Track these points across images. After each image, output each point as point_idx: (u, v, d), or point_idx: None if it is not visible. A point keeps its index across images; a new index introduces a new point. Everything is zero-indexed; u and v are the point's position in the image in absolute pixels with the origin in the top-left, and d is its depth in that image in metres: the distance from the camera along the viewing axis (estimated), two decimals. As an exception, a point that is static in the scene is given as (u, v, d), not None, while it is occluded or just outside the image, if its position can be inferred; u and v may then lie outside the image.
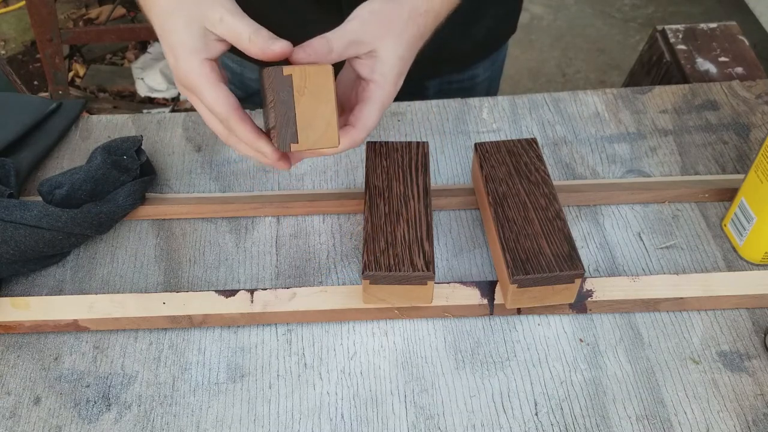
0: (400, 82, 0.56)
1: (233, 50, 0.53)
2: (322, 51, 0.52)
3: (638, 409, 0.54)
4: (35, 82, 2.19)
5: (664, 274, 0.62)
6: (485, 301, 0.59)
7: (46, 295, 0.62)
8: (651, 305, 0.59)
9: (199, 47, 0.51)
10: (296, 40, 0.52)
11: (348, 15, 0.76)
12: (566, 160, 0.71)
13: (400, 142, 0.65)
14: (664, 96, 0.78)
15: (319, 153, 0.54)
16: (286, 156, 0.55)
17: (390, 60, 0.54)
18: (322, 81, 0.49)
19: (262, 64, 0.53)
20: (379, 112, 0.55)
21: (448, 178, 0.70)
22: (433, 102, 0.77)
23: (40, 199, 0.64)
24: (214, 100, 0.51)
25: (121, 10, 2.37)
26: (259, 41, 0.50)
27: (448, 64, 0.85)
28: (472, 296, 0.59)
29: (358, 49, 0.53)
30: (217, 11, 0.51)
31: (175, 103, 2.07)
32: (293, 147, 0.50)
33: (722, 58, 0.90)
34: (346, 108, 0.58)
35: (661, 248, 0.64)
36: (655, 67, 0.98)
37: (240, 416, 0.55)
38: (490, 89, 0.94)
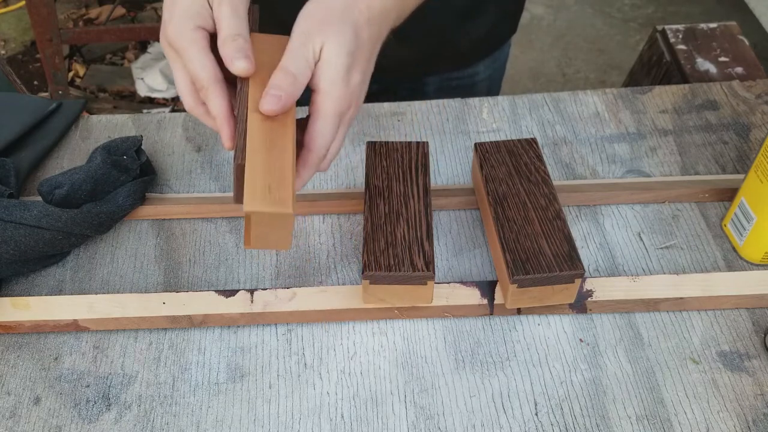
0: (355, 79, 0.51)
1: None
2: (289, 85, 0.49)
3: (638, 409, 0.54)
4: (35, 82, 2.20)
5: (664, 274, 0.62)
6: (485, 301, 0.59)
7: (46, 295, 0.62)
8: (651, 305, 0.59)
9: (195, 14, 0.50)
10: None
11: None
12: (566, 160, 0.71)
13: (400, 142, 0.65)
14: (664, 96, 0.78)
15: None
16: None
17: (333, 59, 0.50)
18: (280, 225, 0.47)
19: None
20: (332, 123, 0.50)
21: (448, 178, 0.70)
22: (433, 102, 0.77)
23: (40, 199, 0.64)
24: (199, 66, 0.50)
25: (121, 10, 2.37)
26: (228, 48, 0.49)
27: (448, 61, 0.84)
28: (472, 296, 0.59)
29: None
30: None
31: (175, 103, 2.07)
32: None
33: (722, 58, 0.90)
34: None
35: (661, 248, 0.64)
36: (655, 67, 0.98)
37: (240, 416, 0.55)
38: (492, 88, 0.94)
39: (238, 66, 0.49)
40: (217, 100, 0.50)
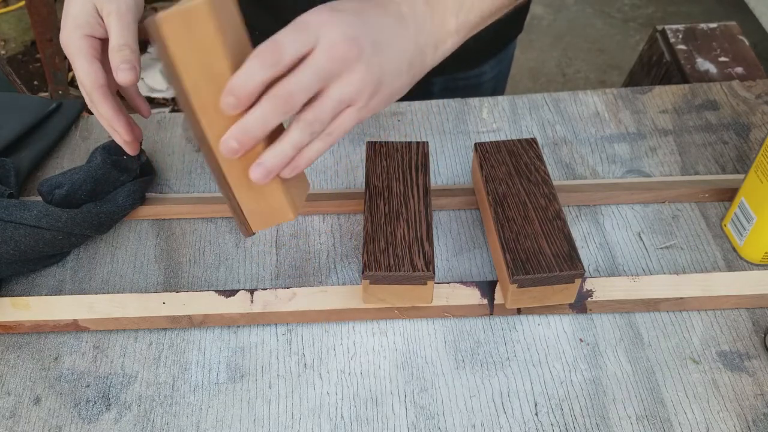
0: (347, 10, 0.45)
1: None
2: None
3: (638, 409, 0.54)
4: (35, 82, 2.19)
5: (664, 274, 0.62)
6: (485, 301, 0.59)
7: (46, 295, 0.62)
8: (651, 305, 0.59)
9: (84, 23, 0.54)
10: None
11: None
12: (566, 160, 0.71)
13: (400, 142, 0.65)
14: (664, 96, 0.78)
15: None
16: (136, 142, 0.59)
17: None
18: None
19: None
20: (265, 46, 0.43)
21: (448, 178, 0.70)
22: (434, 102, 0.77)
23: (40, 199, 0.64)
24: (83, 74, 0.54)
25: (121, 10, 2.37)
26: (113, 59, 0.53)
27: (455, 62, 0.85)
28: (472, 296, 0.59)
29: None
30: (111, 5, 0.54)
31: (176, 103, 2.07)
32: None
33: (722, 58, 0.90)
34: None
35: (661, 248, 0.64)
36: (655, 67, 0.98)
37: (240, 416, 0.55)
38: (497, 88, 0.94)
39: (121, 77, 0.53)
40: (101, 104, 0.55)
